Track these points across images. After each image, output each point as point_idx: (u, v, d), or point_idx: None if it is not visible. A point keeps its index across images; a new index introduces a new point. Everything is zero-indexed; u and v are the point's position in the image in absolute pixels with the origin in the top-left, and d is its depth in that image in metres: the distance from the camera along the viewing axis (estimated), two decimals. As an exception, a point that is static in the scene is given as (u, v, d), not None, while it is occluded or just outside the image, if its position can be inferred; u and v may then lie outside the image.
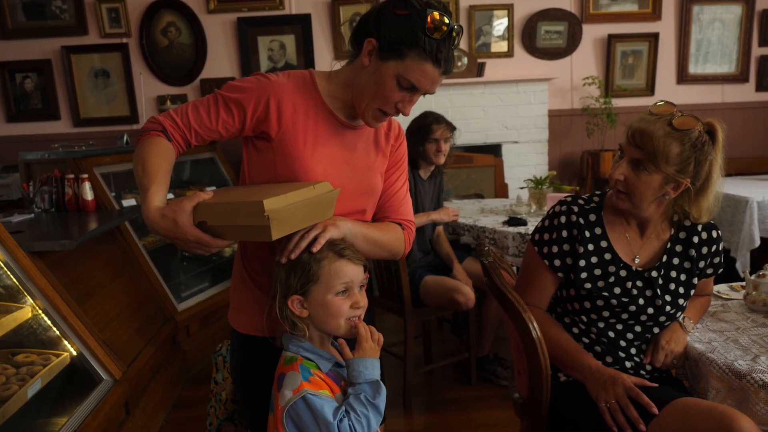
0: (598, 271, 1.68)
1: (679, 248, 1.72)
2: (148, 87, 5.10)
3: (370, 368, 1.29)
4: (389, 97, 1.35)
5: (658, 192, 1.60)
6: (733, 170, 5.68)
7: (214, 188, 4.20)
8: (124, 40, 5.08)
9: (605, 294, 1.66)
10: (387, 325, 3.93)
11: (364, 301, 1.35)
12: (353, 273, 1.32)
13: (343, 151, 1.44)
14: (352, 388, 1.29)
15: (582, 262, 1.68)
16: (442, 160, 3.15)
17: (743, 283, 2.02)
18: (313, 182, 1.34)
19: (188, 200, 1.21)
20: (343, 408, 1.26)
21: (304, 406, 1.24)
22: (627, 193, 1.61)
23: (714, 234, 1.73)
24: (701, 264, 1.73)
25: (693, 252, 1.71)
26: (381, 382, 1.30)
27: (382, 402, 1.29)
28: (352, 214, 1.47)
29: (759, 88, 5.35)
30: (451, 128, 3.16)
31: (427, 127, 3.10)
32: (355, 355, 1.30)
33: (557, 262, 1.71)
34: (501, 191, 4.70)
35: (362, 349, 1.30)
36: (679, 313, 1.72)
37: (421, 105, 5.06)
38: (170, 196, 3.81)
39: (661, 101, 1.63)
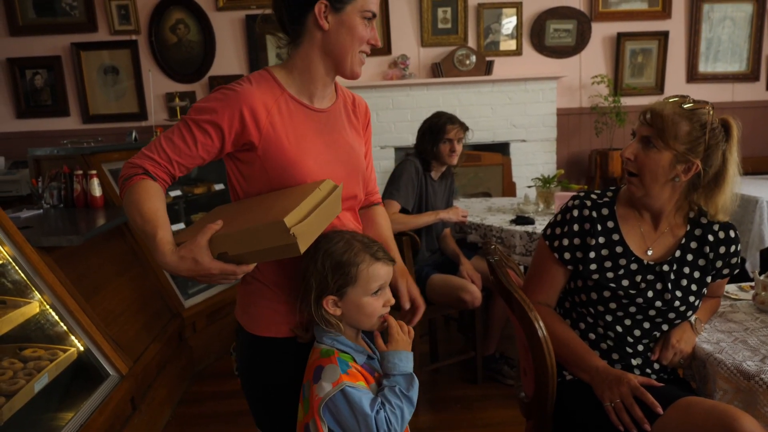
0: (608, 263, 1.67)
1: (693, 245, 1.71)
2: (156, 84, 5.12)
3: (405, 361, 1.33)
4: (364, 37, 1.39)
5: (668, 172, 1.59)
6: (743, 170, 5.64)
7: (222, 185, 4.22)
8: (134, 37, 5.10)
9: (612, 285, 1.65)
10: (393, 323, 3.93)
11: (392, 298, 1.40)
12: (386, 274, 1.37)
13: (323, 137, 1.44)
14: (387, 380, 1.32)
15: (592, 254, 1.67)
16: (455, 160, 3.15)
17: (752, 284, 2.01)
18: (316, 183, 1.33)
19: (201, 235, 1.19)
20: (379, 400, 1.29)
21: (343, 399, 1.26)
22: (638, 175, 1.62)
23: (732, 234, 1.71)
24: (718, 264, 1.72)
25: (708, 250, 1.70)
26: (414, 375, 1.34)
27: (415, 394, 1.32)
28: (347, 200, 1.49)
29: (770, 87, 5.31)
30: (464, 128, 3.15)
31: (441, 126, 3.09)
32: (389, 347, 1.34)
33: (567, 255, 1.70)
34: (509, 190, 4.69)
35: (395, 341, 1.34)
36: (690, 312, 1.71)
37: (429, 103, 5.04)
38: (178, 192, 3.84)
39: (676, 96, 1.64)
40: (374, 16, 1.40)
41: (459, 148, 3.12)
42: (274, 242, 1.16)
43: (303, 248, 1.18)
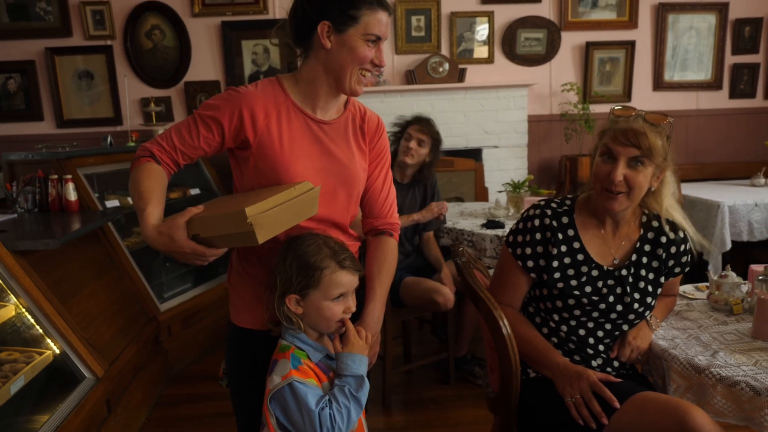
0: (571, 271, 1.75)
1: (648, 248, 1.80)
2: (132, 89, 5.11)
3: (358, 363, 1.39)
4: (365, 57, 1.46)
5: (648, 184, 1.70)
6: (707, 176, 5.75)
7: (197, 190, 4.24)
8: (109, 42, 5.09)
9: (576, 293, 1.73)
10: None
11: (354, 305, 1.46)
12: (350, 282, 1.43)
13: (320, 146, 1.52)
14: (338, 380, 1.38)
15: (555, 263, 1.74)
16: (408, 159, 3.12)
17: (708, 284, 2.10)
18: (293, 183, 1.42)
19: (181, 216, 1.29)
20: (327, 398, 1.34)
21: (290, 393, 1.33)
22: (626, 192, 1.67)
23: (681, 234, 1.81)
24: (670, 263, 1.81)
25: (661, 251, 1.79)
26: (366, 378, 1.40)
27: (364, 396, 1.38)
28: (332, 212, 1.54)
29: (732, 95, 5.47)
30: (432, 134, 3.15)
31: (404, 124, 3.19)
32: (344, 349, 1.40)
33: (530, 263, 1.77)
34: (481, 195, 4.77)
35: (350, 344, 1.40)
36: (648, 311, 1.80)
37: (403, 110, 5.11)
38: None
39: (619, 105, 1.74)
40: (378, 39, 1.46)
41: (416, 149, 3.12)
42: (235, 229, 1.25)
43: (261, 239, 1.26)
